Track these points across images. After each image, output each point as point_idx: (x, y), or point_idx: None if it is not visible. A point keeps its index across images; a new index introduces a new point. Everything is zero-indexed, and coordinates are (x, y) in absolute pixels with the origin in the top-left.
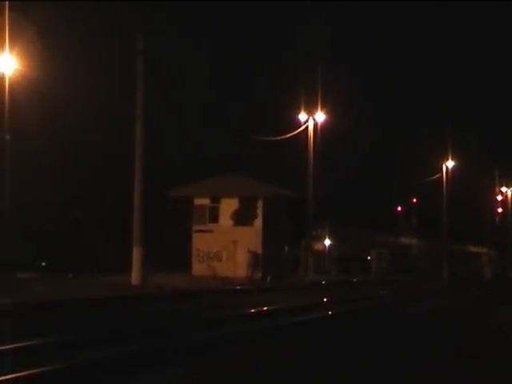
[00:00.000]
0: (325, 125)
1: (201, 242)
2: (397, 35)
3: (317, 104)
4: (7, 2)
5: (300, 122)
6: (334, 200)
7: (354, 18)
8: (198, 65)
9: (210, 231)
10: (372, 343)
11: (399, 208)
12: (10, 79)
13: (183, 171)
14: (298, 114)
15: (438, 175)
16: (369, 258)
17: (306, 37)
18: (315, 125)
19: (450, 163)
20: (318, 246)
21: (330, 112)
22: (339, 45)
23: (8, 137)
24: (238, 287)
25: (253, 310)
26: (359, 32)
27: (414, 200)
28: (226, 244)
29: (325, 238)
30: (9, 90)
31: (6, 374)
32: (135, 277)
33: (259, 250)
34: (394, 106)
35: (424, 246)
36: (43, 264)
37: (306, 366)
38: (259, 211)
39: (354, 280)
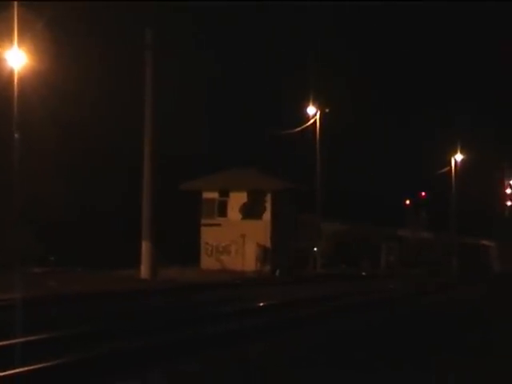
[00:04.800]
0: (333, 118)
1: (209, 236)
2: (405, 30)
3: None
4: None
5: (309, 115)
6: (341, 193)
7: (363, 14)
8: (208, 60)
9: (219, 225)
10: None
11: (407, 201)
12: (19, 74)
13: (194, 166)
14: (307, 107)
15: (446, 168)
16: (315, 249)
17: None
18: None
19: (459, 156)
20: None
21: (336, 105)
22: (346, 38)
23: (17, 135)
24: (247, 281)
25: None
26: (368, 27)
27: (423, 193)
28: (235, 238)
29: None
30: (18, 85)
31: (23, 366)
32: (145, 271)
33: (268, 244)
34: (404, 99)
35: (433, 239)
36: (52, 259)
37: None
38: (268, 205)
39: (363, 274)
